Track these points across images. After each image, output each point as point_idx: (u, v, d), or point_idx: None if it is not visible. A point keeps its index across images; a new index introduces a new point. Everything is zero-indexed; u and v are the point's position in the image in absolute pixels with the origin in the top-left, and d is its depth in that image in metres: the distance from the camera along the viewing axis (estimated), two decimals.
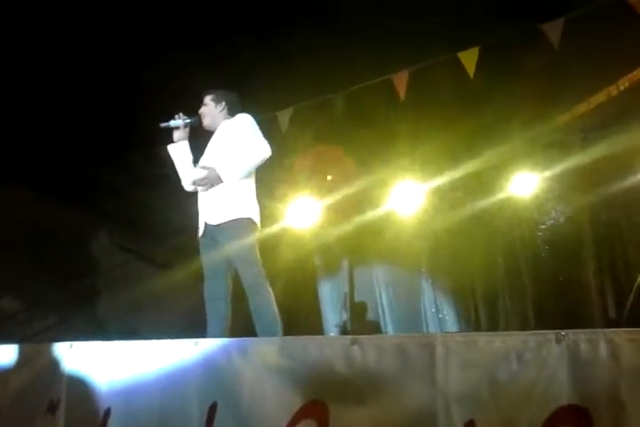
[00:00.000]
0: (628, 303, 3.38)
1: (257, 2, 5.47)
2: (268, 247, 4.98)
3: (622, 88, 5.75)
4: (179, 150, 4.03)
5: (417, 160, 7.05)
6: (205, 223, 3.81)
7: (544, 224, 7.27)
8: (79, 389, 3.32)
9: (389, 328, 8.12)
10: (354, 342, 2.34)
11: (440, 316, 8.06)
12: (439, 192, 7.31)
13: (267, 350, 2.66)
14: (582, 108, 6.13)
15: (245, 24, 5.61)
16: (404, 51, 5.42)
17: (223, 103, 3.99)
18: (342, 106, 5.81)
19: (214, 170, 3.75)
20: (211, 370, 2.81)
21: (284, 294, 6.34)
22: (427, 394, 2.09)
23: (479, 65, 4.96)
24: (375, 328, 8.01)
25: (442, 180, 6.99)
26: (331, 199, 7.35)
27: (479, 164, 6.61)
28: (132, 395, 3.09)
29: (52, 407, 3.42)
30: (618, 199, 6.58)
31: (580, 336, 1.84)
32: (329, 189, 7.49)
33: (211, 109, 3.99)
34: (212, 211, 3.79)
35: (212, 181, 3.76)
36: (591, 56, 5.18)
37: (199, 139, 4.08)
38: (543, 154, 6.83)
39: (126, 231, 7.52)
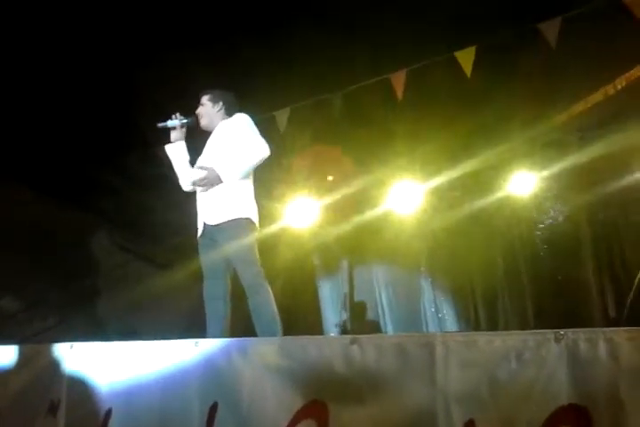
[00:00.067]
0: (628, 301, 3.37)
1: (256, 2, 5.46)
2: (267, 247, 4.99)
3: (619, 87, 5.77)
4: (176, 151, 4.03)
5: (415, 160, 7.05)
6: (204, 223, 3.81)
7: (542, 223, 7.28)
8: (80, 389, 3.32)
9: (389, 328, 8.12)
10: (353, 342, 2.33)
11: (440, 315, 8.07)
12: (438, 192, 7.32)
13: (266, 350, 2.66)
14: (579, 107, 6.14)
15: (245, 24, 5.60)
16: (401, 50, 5.42)
17: (220, 103, 3.98)
18: (340, 106, 5.80)
19: (214, 170, 3.75)
20: (211, 370, 2.80)
21: (284, 293, 6.33)
22: (426, 394, 2.09)
23: (477, 65, 4.96)
24: (375, 328, 8.00)
25: (440, 179, 7.00)
26: (329, 199, 7.35)
27: (477, 163, 6.61)
28: (132, 395, 3.08)
29: (53, 408, 3.41)
30: (615, 198, 6.59)
31: (580, 335, 1.85)
32: (327, 188, 7.49)
33: (208, 109, 3.98)
34: (210, 211, 3.79)
35: (212, 181, 3.76)
36: (588, 55, 5.18)
37: (196, 139, 4.08)
38: (541, 153, 6.83)
39: (126, 231, 7.52)
